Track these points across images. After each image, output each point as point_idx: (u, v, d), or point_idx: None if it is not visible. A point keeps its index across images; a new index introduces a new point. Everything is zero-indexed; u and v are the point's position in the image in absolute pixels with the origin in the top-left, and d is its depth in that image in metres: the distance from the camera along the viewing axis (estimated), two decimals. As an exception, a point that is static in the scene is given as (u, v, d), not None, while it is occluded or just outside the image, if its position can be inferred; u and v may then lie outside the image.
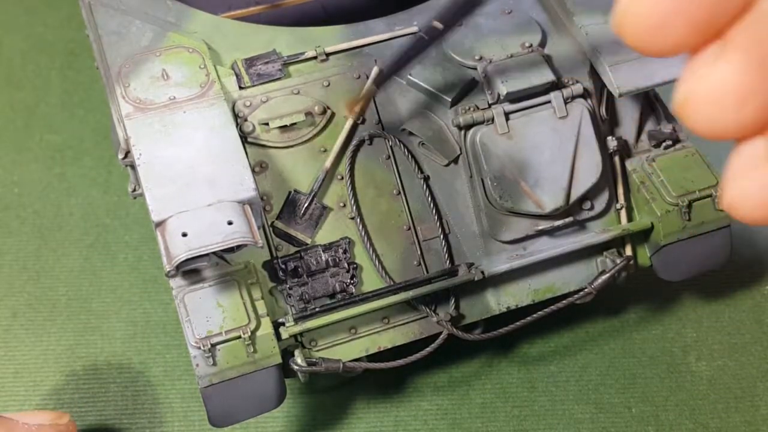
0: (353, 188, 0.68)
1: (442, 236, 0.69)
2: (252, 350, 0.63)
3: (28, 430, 0.66)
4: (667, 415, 0.78)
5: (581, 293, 0.72)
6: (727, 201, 0.27)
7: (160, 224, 0.59)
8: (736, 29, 0.26)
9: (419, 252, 0.69)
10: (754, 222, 0.27)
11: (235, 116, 0.66)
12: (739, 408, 0.79)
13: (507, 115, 0.68)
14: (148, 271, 0.88)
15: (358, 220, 0.68)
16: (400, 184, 0.69)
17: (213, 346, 0.62)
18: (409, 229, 0.69)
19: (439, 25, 0.53)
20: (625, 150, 0.73)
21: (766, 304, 0.86)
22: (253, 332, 0.63)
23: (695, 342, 0.83)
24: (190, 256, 0.57)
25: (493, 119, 0.68)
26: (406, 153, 0.69)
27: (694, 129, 0.27)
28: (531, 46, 0.70)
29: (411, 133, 0.69)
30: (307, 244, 0.67)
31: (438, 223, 0.69)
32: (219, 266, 0.64)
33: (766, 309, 0.86)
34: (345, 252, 0.67)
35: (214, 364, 0.62)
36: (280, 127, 0.67)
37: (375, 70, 0.69)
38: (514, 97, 0.68)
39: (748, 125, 0.26)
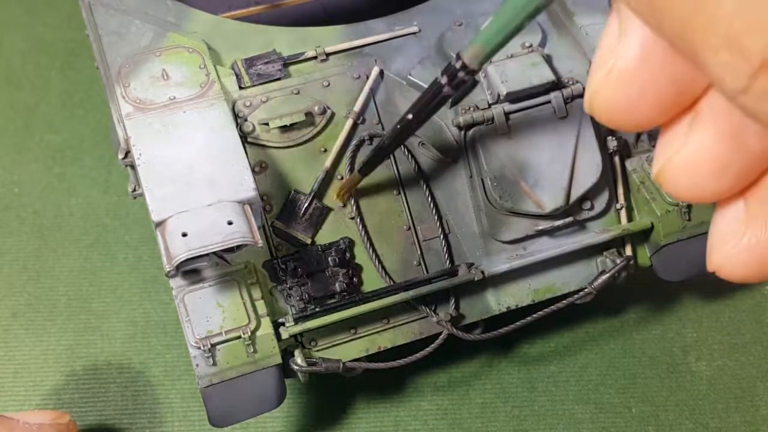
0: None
1: (442, 236, 0.69)
2: (252, 350, 0.63)
3: (29, 429, 0.66)
4: (667, 415, 0.78)
5: (581, 293, 0.72)
6: (714, 264, 0.28)
7: (160, 224, 0.59)
8: (704, 102, 0.26)
9: (419, 252, 0.69)
10: (742, 282, 0.28)
11: (235, 116, 0.66)
12: (739, 408, 0.79)
13: (507, 115, 0.68)
14: (148, 271, 0.88)
15: (358, 220, 0.68)
16: (400, 184, 0.69)
17: (213, 346, 0.62)
18: (409, 229, 0.69)
19: (409, 116, 0.57)
20: (625, 150, 0.73)
21: (766, 304, 0.86)
22: (253, 332, 0.63)
23: (695, 342, 0.83)
24: (190, 256, 0.57)
25: (493, 119, 0.68)
26: (406, 153, 0.69)
27: (674, 196, 0.28)
28: (531, 46, 0.70)
29: (411, 133, 0.69)
30: (307, 244, 0.67)
31: (438, 223, 0.69)
32: (219, 266, 0.64)
33: (766, 309, 0.86)
34: (345, 252, 0.67)
35: (214, 364, 0.62)
36: (280, 127, 0.67)
37: (375, 70, 0.69)
38: (514, 97, 0.68)
39: (727, 192, 0.27)
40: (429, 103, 0.54)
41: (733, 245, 0.27)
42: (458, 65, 0.47)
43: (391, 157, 0.69)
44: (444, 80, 0.49)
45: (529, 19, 0.39)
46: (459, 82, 0.48)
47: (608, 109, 0.28)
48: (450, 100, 0.53)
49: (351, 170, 0.68)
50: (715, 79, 0.24)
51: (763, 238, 0.27)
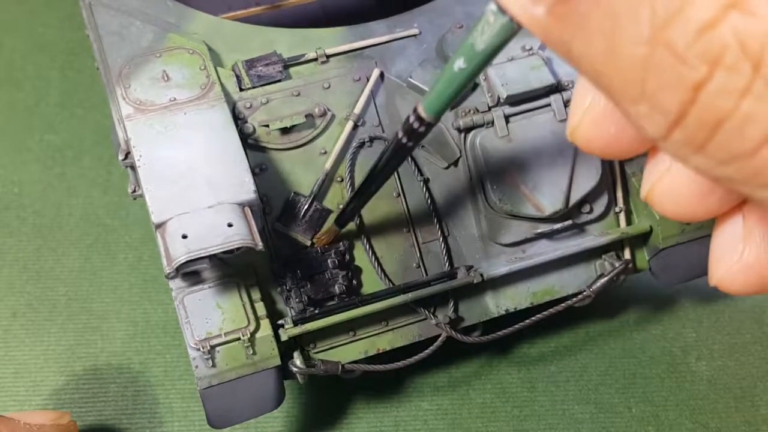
0: (353, 190, 0.68)
1: (441, 239, 0.69)
2: (251, 352, 0.63)
3: (30, 430, 0.66)
4: (667, 415, 0.78)
5: (580, 296, 0.72)
6: (715, 279, 0.29)
7: (160, 226, 0.59)
8: None
9: (418, 254, 0.69)
10: (743, 295, 0.29)
11: (236, 118, 0.66)
12: (739, 408, 0.79)
13: (507, 118, 0.68)
14: (148, 271, 0.88)
15: (358, 222, 0.68)
16: (399, 187, 0.69)
17: (212, 347, 0.62)
18: (409, 231, 0.69)
19: (376, 169, 0.59)
20: (625, 152, 0.73)
21: (766, 304, 0.86)
22: (253, 334, 0.63)
23: (695, 342, 0.84)
24: (190, 258, 0.57)
25: (493, 122, 0.68)
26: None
27: (663, 215, 0.29)
28: (531, 48, 0.70)
29: (411, 135, 0.69)
30: (306, 246, 0.67)
31: (437, 226, 0.69)
32: (219, 268, 0.64)
33: (766, 309, 0.86)
34: (344, 254, 0.67)
35: (214, 365, 0.62)
36: (281, 129, 0.67)
37: (375, 72, 0.69)
38: (514, 100, 0.68)
39: (714, 213, 0.28)
40: (392, 157, 0.56)
41: (732, 261, 0.28)
42: (413, 118, 0.48)
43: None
44: (401, 134, 0.51)
45: (469, 81, 0.39)
46: (418, 134, 0.49)
47: (588, 143, 0.29)
48: (412, 151, 0.56)
49: (351, 174, 0.68)
50: (636, 125, 0.24)
51: (762, 254, 0.27)
